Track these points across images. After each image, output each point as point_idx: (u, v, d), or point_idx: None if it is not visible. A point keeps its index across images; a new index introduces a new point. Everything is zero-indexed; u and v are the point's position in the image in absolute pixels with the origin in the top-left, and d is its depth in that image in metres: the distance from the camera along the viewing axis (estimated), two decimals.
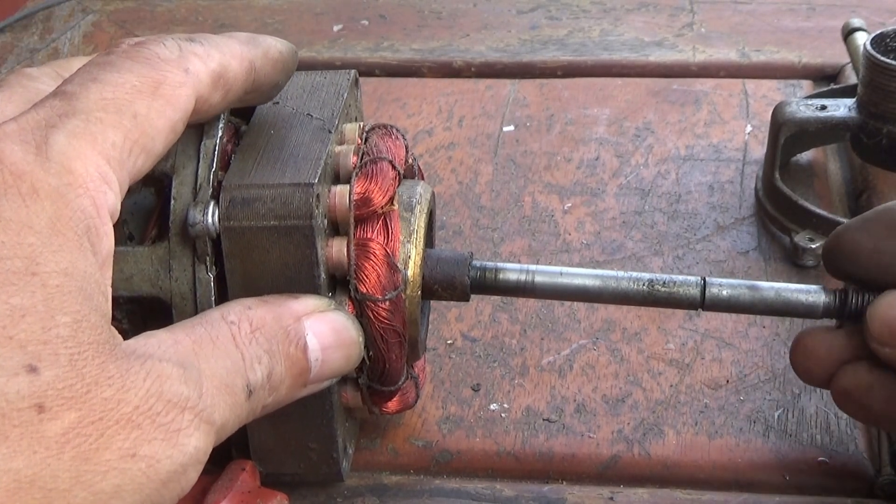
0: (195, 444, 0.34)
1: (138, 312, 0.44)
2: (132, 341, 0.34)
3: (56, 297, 0.32)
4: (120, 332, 0.44)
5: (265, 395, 0.38)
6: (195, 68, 0.38)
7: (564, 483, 0.50)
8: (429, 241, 0.50)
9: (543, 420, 0.53)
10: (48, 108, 0.35)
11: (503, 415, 0.53)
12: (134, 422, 0.32)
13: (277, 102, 0.45)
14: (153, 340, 0.35)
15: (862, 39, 0.67)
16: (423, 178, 0.51)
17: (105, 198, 0.34)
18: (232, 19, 0.91)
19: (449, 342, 0.57)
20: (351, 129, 0.46)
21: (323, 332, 0.41)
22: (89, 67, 0.37)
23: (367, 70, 0.83)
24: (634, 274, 0.47)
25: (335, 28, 0.88)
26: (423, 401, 0.54)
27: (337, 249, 0.43)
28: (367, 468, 0.51)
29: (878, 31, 0.61)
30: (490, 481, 0.50)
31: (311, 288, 0.41)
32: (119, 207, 0.35)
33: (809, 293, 0.46)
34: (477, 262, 0.47)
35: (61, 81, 0.41)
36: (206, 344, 0.36)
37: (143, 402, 0.32)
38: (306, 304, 0.41)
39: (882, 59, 0.60)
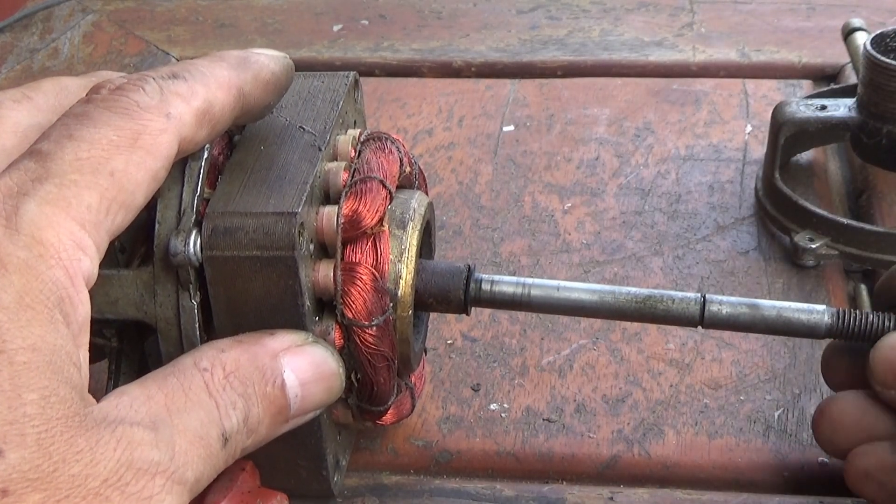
0: None
1: (133, 328, 0.44)
2: (104, 403, 0.34)
3: (23, 374, 0.31)
4: (110, 351, 0.44)
5: (243, 439, 0.38)
6: (177, 111, 0.37)
7: (564, 483, 0.50)
8: (427, 250, 0.50)
9: (543, 420, 0.53)
10: (21, 172, 0.34)
11: (503, 415, 0.53)
12: (102, 495, 0.31)
13: (272, 112, 0.45)
14: (125, 399, 0.34)
15: (862, 39, 0.67)
16: (424, 183, 0.50)
17: (79, 265, 0.34)
18: (232, 19, 0.91)
19: (449, 342, 0.57)
20: (344, 142, 0.45)
21: (301, 366, 0.40)
22: (66, 121, 0.36)
23: (367, 70, 0.83)
24: (633, 290, 0.46)
25: (335, 28, 0.88)
26: (423, 401, 0.54)
27: (323, 274, 0.42)
28: (367, 468, 0.51)
29: (878, 31, 0.61)
30: (490, 481, 0.50)
31: (295, 316, 0.41)
32: (96, 271, 0.35)
33: (812, 313, 0.45)
34: (473, 275, 0.46)
35: (29, 104, 0.40)
36: (179, 397, 0.36)
37: (112, 473, 0.32)
38: (282, 339, 0.40)
39: (882, 59, 0.60)
